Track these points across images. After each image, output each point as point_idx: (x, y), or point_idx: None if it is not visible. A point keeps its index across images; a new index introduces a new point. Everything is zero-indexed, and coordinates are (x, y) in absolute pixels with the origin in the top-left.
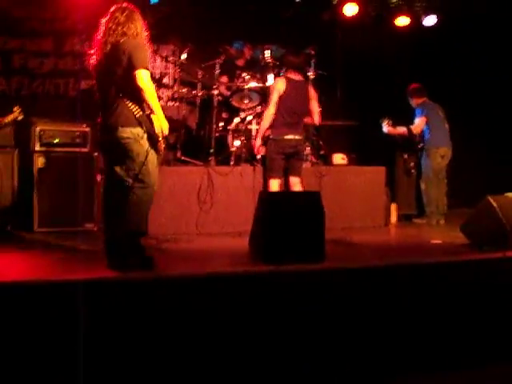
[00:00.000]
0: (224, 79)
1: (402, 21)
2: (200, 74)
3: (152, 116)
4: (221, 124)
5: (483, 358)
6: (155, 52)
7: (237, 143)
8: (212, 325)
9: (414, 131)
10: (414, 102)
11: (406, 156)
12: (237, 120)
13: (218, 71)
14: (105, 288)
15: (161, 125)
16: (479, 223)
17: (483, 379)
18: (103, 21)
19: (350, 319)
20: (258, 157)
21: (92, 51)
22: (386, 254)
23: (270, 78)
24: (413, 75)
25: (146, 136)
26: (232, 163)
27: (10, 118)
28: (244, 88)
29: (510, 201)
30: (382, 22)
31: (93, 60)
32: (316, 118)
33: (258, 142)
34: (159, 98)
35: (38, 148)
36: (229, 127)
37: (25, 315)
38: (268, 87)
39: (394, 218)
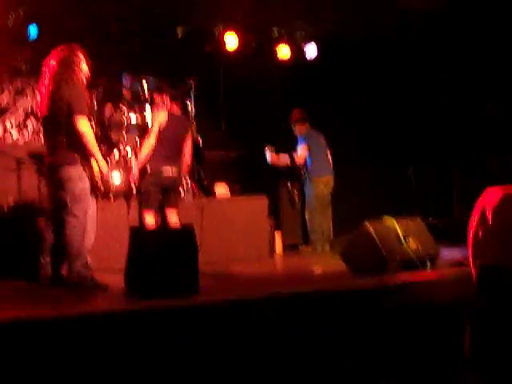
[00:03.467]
0: (108, 110)
1: (284, 51)
2: None
3: (91, 159)
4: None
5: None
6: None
7: (116, 176)
8: (86, 365)
9: (297, 160)
10: (296, 129)
11: (289, 185)
12: (116, 153)
13: (94, 103)
14: None
15: (99, 166)
16: (357, 249)
17: None
18: (44, 67)
19: (225, 353)
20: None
21: (38, 97)
22: (262, 284)
23: (148, 109)
24: (295, 104)
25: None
26: (111, 197)
27: None
28: (122, 121)
29: (386, 226)
30: (264, 52)
31: (39, 105)
32: (187, 158)
33: (135, 174)
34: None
35: None
36: (108, 160)
37: None
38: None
39: (279, 248)
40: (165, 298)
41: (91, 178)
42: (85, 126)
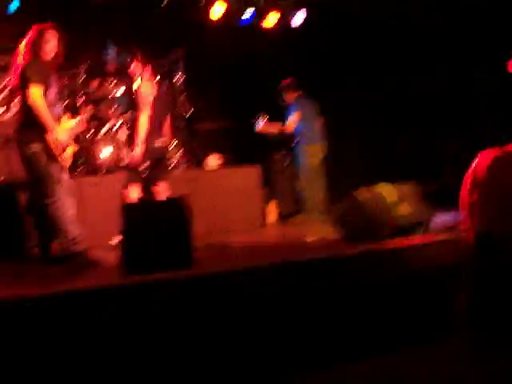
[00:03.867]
0: (94, 85)
1: (271, 19)
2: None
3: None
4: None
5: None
6: None
7: (106, 152)
8: (84, 341)
9: (289, 128)
10: (287, 97)
11: (280, 154)
12: (105, 128)
13: (81, 79)
14: None
15: (55, 138)
16: (348, 218)
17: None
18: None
19: (226, 324)
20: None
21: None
22: (256, 254)
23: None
24: (285, 72)
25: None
26: (102, 172)
27: None
28: (110, 95)
29: (376, 193)
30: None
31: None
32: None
33: (139, 149)
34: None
35: None
36: (98, 136)
37: None
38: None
39: (273, 218)
40: (159, 271)
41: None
42: (36, 96)
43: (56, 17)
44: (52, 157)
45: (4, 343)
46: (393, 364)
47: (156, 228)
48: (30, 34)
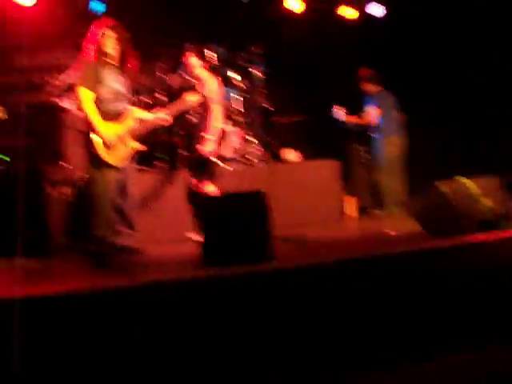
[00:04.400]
0: (174, 79)
1: (348, 12)
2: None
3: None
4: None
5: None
6: None
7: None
8: (157, 333)
9: (370, 121)
10: (369, 88)
11: (359, 147)
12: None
13: (159, 74)
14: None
15: (107, 133)
16: (432, 210)
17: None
18: None
19: (305, 318)
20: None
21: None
22: (337, 248)
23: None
24: (363, 65)
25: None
26: (182, 167)
27: None
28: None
29: (460, 185)
30: (328, 14)
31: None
32: None
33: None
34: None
35: None
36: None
37: None
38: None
39: (352, 211)
40: (238, 264)
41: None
42: (80, 97)
43: (134, 14)
44: (96, 156)
45: (81, 335)
46: (474, 361)
47: (235, 221)
48: (90, 32)
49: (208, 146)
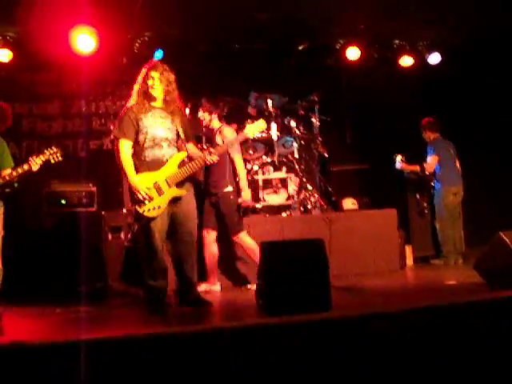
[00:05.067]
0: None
1: (406, 61)
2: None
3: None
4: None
5: None
6: None
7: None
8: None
9: (427, 169)
10: (426, 136)
11: (418, 196)
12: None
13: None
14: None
15: (140, 187)
16: (493, 260)
17: None
18: None
19: (361, 368)
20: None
21: None
22: (395, 298)
23: (274, 127)
24: (422, 113)
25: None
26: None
27: (23, 169)
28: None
29: None
30: (386, 63)
31: None
32: None
33: (247, 192)
34: None
35: (45, 209)
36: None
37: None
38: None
39: (409, 261)
40: (297, 312)
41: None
42: (116, 147)
43: (196, 62)
44: (135, 201)
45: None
46: None
47: (294, 268)
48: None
49: (245, 195)
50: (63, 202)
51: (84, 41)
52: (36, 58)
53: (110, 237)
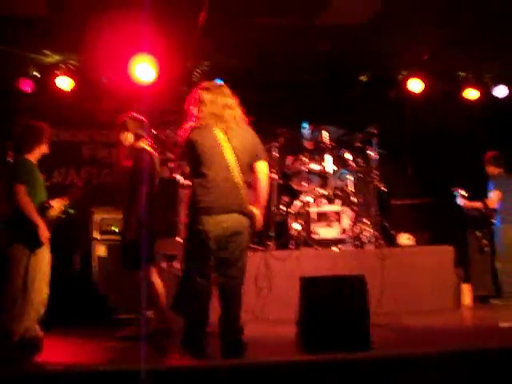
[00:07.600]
0: (289, 160)
1: (471, 93)
2: None
3: None
4: (281, 207)
5: None
6: None
7: (297, 226)
8: None
9: (490, 205)
10: (490, 170)
11: (478, 233)
12: (297, 203)
13: (275, 154)
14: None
15: None
16: None
17: None
18: None
19: None
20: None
21: None
22: (444, 338)
23: (329, 159)
24: (486, 147)
25: None
26: (291, 247)
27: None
28: (303, 170)
29: None
30: (450, 95)
31: None
32: None
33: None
34: None
35: (97, 236)
36: (289, 210)
37: None
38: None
39: (467, 300)
40: (334, 351)
41: None
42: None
43: (254, 92)
44: None
45: None
46: None
47: (334, 305)
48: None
49: None
50: (115, 229)
51: (143, 69)
52: (97, 87)
53: (165, 266)
